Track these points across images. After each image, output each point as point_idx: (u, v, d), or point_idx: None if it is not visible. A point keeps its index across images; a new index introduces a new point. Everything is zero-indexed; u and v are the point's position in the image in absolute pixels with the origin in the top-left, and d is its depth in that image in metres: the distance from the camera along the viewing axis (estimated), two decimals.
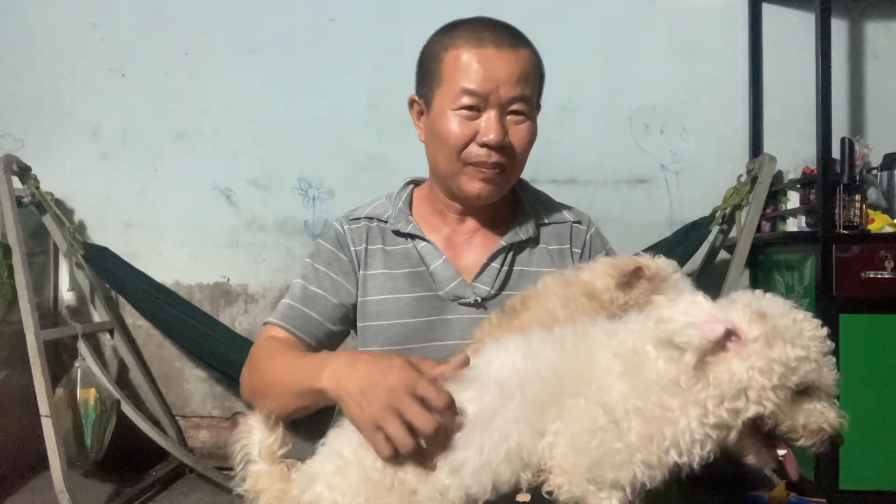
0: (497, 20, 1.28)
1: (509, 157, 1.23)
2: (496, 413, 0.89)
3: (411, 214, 1.35)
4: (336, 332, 1.31)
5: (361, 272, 1.31)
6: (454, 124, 1.21)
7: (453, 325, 1.27)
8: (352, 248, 1.32)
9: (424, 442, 0.88)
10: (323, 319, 1.29)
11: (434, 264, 1.29)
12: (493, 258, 1.30)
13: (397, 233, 1.33)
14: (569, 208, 1.42)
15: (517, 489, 0.90)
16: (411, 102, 1.33)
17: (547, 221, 1.37)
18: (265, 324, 1.31)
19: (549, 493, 0.87)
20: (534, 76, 1.24)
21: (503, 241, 1.31)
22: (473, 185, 1.24)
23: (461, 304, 1.28)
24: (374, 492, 0.88)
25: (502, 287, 1.29)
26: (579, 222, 1.39)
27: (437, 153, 1.27)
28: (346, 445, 0.93)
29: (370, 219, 1.35)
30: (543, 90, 1.32)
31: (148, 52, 2.93)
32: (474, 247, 1.33)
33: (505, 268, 1.30)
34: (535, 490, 0.89)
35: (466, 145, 1.21)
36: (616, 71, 2.81)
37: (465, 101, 1.19)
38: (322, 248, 1.34)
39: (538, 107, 1.32)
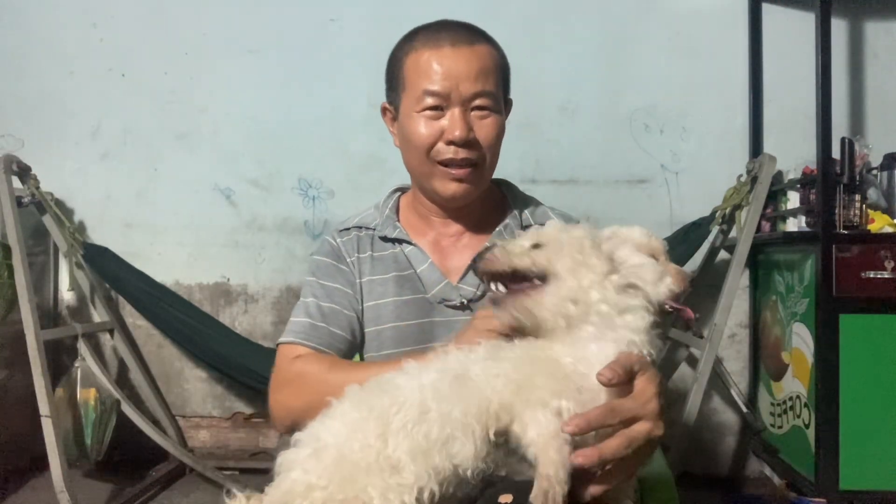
0: (457, 21, 1.29)
1: (478, 152, 1.24)
2: (465, 378, 0.92)
3: (398, 220, 1.36)
4: (354, 343, 1.31)
5: (358, 280, 1.32)
6: (420, 126, 1.23)
7: (442, 327, 1.27)
8: (348, 260, 1.34)
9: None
10: (345, 333, 1.29)
11: (421, 267, 1.30)
12: None
13: (384, 238, 1.34)
14: (557, 211, 1.41)
15: (495, 477, 0.91)
16: (383, 110, 1.36)
17: (533, 223, 1.36)
18: (281, 344, 1.28)
19: (497, 434, 0.89)
20: (495, 71, 1.25)
21: (488, 243, 1.31)
22: (447, 187, 1.25)
23: (448, 306, 1.28)
24: (350, 471, 0.87)
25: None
26: None
27: (409, 156, 1.29)
28: (325, 429, 0.93)
29: (359, 228, 1.37)
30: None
31: (148, 52, 2.93)
32: (460, 249, 1.33)
33: None
34: (518, 491, 0.89)
35: (434, 145, 1.23)
36: (616, 71, 2.81)
37: (428, 101, 1.21)
38: (322, 264, 1.35)
39: (508, 102, 1.32)
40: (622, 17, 2.80)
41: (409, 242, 1.32)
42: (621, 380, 0.86)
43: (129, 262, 2.77)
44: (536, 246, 0.95)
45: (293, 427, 1.16)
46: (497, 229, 1.33)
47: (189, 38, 2.92)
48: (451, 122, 1.21)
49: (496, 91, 1.25)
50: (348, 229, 1.37)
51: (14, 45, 2.95)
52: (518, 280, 0.94)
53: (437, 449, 0.88)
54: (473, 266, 0.97)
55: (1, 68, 2.96)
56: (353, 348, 1.31)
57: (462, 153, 1.22)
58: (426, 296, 1.29)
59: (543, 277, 0.93)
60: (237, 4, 2.91)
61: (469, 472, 0.89)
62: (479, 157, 1.24)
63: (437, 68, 1.21)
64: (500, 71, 1.27)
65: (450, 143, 1.21)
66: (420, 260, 1.30)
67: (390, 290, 1.30)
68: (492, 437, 0.89)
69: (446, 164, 1.23)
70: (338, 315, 1.29)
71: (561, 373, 0.89)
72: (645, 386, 0.89)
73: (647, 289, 0.94)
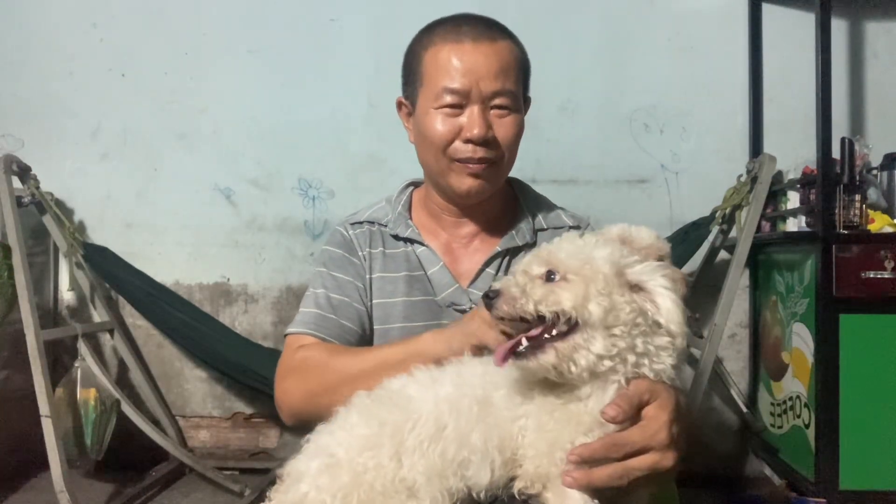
0: (477, 15, 1.26)
1: (496, 151, 1.22)
2: (488, 403, 0.91)
3: (411, 218, 1.34)
4: (365, 337, 1.30)
5: (368, 276, 1.31)
6: (438, 122, 1.20)
7: None
8: (360, 253, 1.33)
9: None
10: (354, 326, 1.28)
11: (432, 269, 1.29)
12: (488, 263, 1.30)
13: (396, 237, 1.33)
14: (569, 213, 1.41)
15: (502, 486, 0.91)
16: (399, 104, 1.33)
17: (545, 226, 1.36)
18: (289, 335, 1.28)
19: (521, 493, 0.88)
20: (516, 69, 1.22)
21: (499, 247, 1.30)
22: (463, 182, 1.23)
23: (457, 310, 1.27)
24: (367, 494, 0.87)
25: None
26: (577, 227, 1.37)
27: (425, 152, 1.27)
28: (337, 443, 0.92)
29: (371, 223, 1.35)
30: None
31: (148, 52, 2.93)
32: (472, 252, 1.32)
33: (500, 274, 1.29)
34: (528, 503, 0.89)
35: (451, 142, 1.20)
36: (616, 71, 2.81)
37: (448, 99, 1.19)
38: (334, 255, 1.33)
39: (527, 100, 1.30)
40: (622, 17, 2.80)
41: (420, 243, 1.31)
42: (627, 416, 0.84)
43: (129, 262, 2.77)
44: (550, 274, 0.88)
45: (299, 416, 1.18)
46: (510, 233, 1.31)
47: (189, 38, 2.92)
48: (470, 120, 1.18)
49: (516, 89, 1.22)
50: (361, 223, 1.35)
51: (14, 45, 2.95)
52: (538, 319, 0.87)
53: (452, 470, 0.88)
54: (487, 305, 0.89)
55: (1, 68, 2.95)
56: (363, 342, 1.29)
57: (480, 152, 1.20)
58: (435, 298, 1.28)
59: (568, 320, 0.86)
60: (237, 4, 2.91)
61: (482, 495, 0.89)
62: (496, 156, 1.22)
63: (458, 64, 1.17)
64: (520, 68, 1.24)
65: (468, 141, 1.19)
66: (432, 262, 1.29)
67: (400, 289, 1.29)
68: (516, 494, 0.89)
69: (463, 161, 1.21)
70: (347, 308, 1.28)
71: (586, 426, 0.87)
72: (656, 414, 0.86)
73: (675, 331, 0.87)
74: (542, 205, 1.39)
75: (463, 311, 1.27)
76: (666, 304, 0.87)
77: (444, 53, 1.19)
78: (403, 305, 1.28)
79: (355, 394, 0.99)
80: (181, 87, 2.92)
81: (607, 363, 0.86)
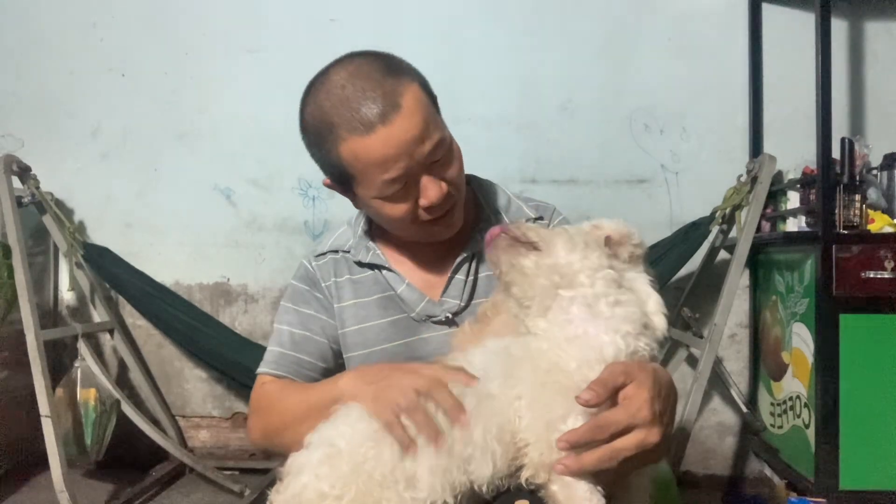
0: (367, 70, 1.11)
1: (455, 194, 1.18)
2: (482, 395, 0.92)
3: (371, 240, 1.32)
4: (331, 369, 1.31)
5: (336, 305, 1.31)
6: (394, 209, 1.15)
7: (430, 343, 1.26)
8: (323, 285, 1.32)
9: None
10: (315, 360, 1.30)
11: (399, 288, 1.28)
12: (456, 271, 1.28)
13: (360, 263, 1.31)
14: (534, 203, 1.37)
15: (508, 484, 0.91)
16: (328, 185, 1.25)
17: (509, 221, 1.32)
18: (258, 373, 1.31)
19: (529, 482, 0.88)
20: (430, 109, 1.13)
21: (465, 252, 1.28)
22: (434, 233, 1.22)
23: (434, 322, 1.27)
24: (366, 484, 0.87)
25: (471, 297, 1.27)
26: (541, 218, 1.34)
27: (387, 226, 1.24)
28: (340, 435, 0.92)
29: (335, 251, 1.34)
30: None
31: (148, 52, 2.93)
32: (438, 261, 1.30)
33: (470, 278, 1.27)
34: (533, 495, 0.89)
35: (415, 215, 1.16)
36: (616, 71, 2.81)
37: (391, 190, 1.12)
38: (298, 289, 1.34)
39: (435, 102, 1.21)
40: (622, 17, 2.80)
41: (383, 267, 1.29)
42: (602, 399, 0.85)
43: (129, 262, 2.77)
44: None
45: (265, 451, 1.25)
46: (474, 237, 1.29)
47: (189, 38, 2.92)
48: (424, 191, 1.13)
49: (441, 127, 1.14)
50: (324, 254, 1.34)
51: (14, 45, 2.95)
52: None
53: (456, 465, 0.88)
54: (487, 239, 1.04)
55: (1, 68, 2.96)
56: (327, 374, 1.30)
57: (444, 206, 1.16)
58: (411, 315, 1.27)
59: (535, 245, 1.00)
60: (237, 4, 2.91)
61: (485, 489, 0.89)
62: (457, 196, 1.19)
63: (384, 154, 1.07)
64: (430, 102, 1.15)
65: (429, 207, 1.14)
66: (398, 282, 1.28)
67: (375, 312, 1.29)
68: (524, 483, 0.89)
69: (431, 221, 1.18)
70: (309, 342, 1.30)
71: (575, 388, 0.87)
72: (636, 392, 0.87)
73: (656, 322, 0.97)
74: (501, 200, 1.36)
75: (439, 322, 1.26)
76: (645, 288, 0.99)
77: (362, 148, 1.08)
78: (380, 328, 1.28)
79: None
80: (181, 87, 2.92)
81: (556, 279, 0.96)
